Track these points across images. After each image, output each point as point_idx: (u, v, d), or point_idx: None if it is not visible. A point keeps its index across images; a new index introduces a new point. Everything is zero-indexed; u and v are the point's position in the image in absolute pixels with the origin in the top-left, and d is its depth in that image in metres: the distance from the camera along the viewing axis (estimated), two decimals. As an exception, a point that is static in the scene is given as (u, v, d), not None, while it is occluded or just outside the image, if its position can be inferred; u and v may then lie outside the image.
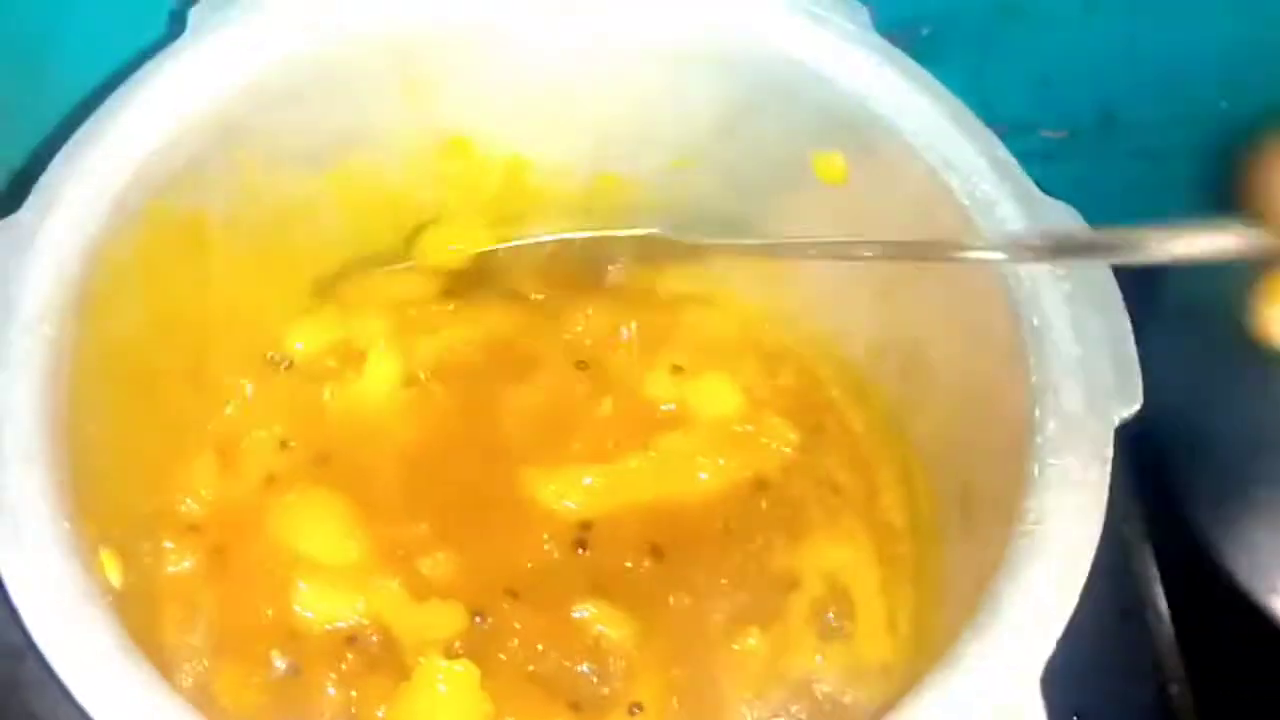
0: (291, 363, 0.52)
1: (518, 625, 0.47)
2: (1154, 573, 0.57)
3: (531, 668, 0.47)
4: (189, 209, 0.46)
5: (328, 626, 0.47)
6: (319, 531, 0.49)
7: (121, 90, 0.44)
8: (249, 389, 0.52)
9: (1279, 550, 0.57)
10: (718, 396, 0.53)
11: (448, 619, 0.47)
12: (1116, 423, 0.42)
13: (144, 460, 0.47)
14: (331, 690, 0.46)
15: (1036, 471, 0.41)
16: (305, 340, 0.53)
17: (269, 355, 0.52)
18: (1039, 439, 0.42)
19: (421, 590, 0.48)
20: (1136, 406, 0.42)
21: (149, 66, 0.45)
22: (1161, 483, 0.56)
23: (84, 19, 0.51)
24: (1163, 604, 0.56)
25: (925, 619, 0.47)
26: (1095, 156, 0.73)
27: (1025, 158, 0.47)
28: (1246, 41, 0.66)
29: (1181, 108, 0.70)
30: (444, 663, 0.45)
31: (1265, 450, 0.59)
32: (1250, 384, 0.59)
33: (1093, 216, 0.46)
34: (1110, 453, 0.41)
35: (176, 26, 0.46)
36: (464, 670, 0.45)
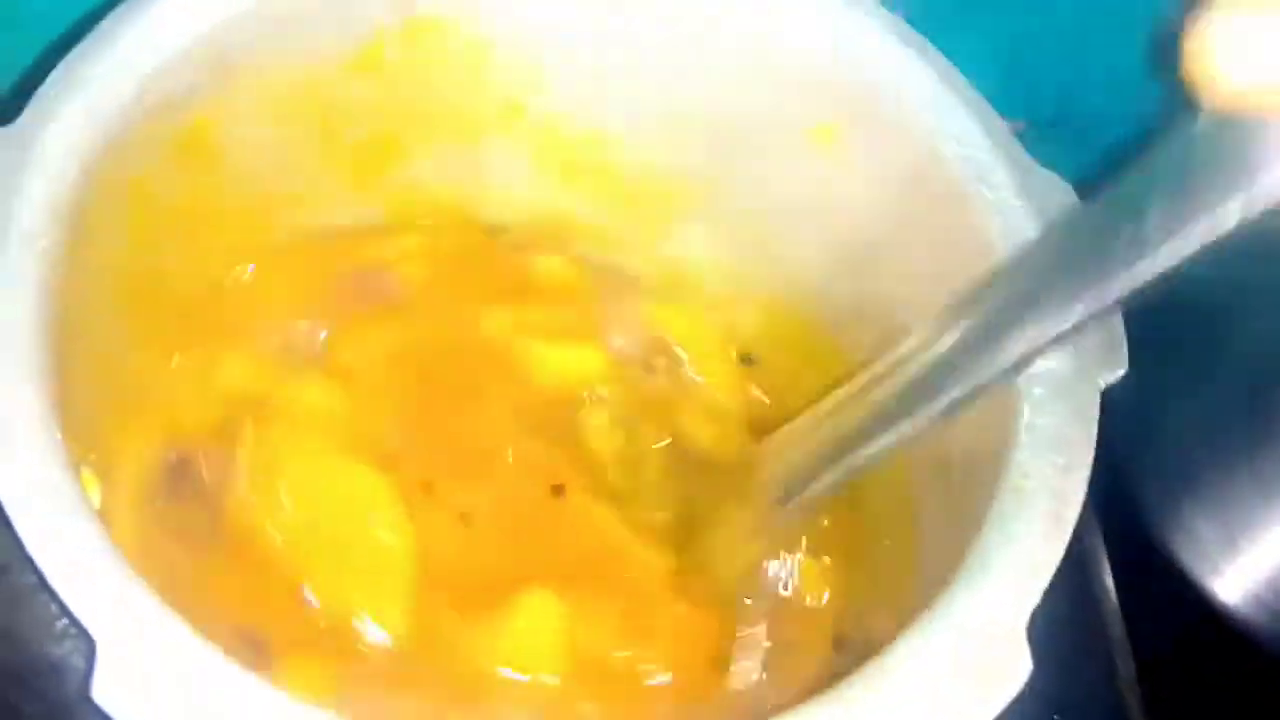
0: None
1: None
2: (1103, 558, 0.59)
3: None
4: (183, 134, 0.46)
5: None
6: None
7: (121, 9, 0.44)
8: None
9: (1221, 537, 0.59)
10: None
11: None
12: (1102, 386, 0.43)
13: (126, 385, 0.47)
14: None
15: (1024, 431, 0.42)
16: None
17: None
18: (1027, 402, 0.43)
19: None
20: (1121, 371, 0.43)
21: (150, -13, 0.44)
22: (1111, 470, 0.57)
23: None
24: (1111, 588, 0.58)
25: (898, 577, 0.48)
26: (1053, 147, 0.75)
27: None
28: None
29: (1132, 104, 0.72)
30: None
31: (1211, 438, 0.61)
32: (1198, 373, 0.61)
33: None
34: (1096, 414, 0.42)
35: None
36: None
